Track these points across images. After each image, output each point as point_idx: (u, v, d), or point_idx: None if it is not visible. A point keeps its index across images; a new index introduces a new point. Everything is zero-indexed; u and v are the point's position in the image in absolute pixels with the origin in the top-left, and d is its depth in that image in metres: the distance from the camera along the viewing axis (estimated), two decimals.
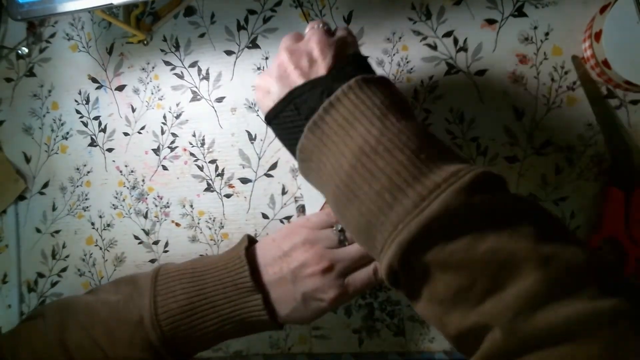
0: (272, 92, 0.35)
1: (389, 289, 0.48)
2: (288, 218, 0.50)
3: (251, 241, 0.43)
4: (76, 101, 0.56)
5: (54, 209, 0.55)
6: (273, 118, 0.35)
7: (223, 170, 0.52)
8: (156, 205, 0.53)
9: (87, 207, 0.55)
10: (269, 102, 0.35)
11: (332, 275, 0.39)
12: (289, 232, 0.41)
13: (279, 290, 0.40)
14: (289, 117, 0.34)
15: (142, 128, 0.54)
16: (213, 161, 0.52)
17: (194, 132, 0.52)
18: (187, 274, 0.41)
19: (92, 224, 0.54)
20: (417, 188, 0.27)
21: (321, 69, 0.33)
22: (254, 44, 0.51)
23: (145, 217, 0.53)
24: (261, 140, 0.51)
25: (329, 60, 0.34)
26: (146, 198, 0.53)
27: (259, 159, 0.51)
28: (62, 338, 0.41)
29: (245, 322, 0.40)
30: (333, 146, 0.31)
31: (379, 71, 0.49)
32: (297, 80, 0.34)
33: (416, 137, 0.30)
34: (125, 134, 0.54)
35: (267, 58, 0.51)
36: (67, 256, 0.55)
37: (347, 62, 0.34)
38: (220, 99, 0.52)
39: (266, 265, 0.41)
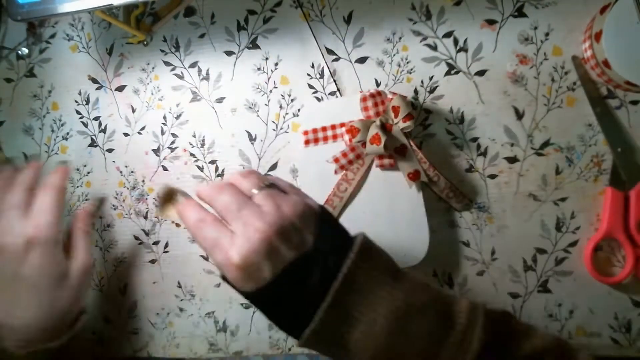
0: (263, 270, 0.31)
1: None
2: None
3: None
4: (76, 102, 0.56)
5: None
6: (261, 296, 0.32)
7: (223, 170, 0.52)
8: (156, 206, 0.53)
9: None
10: (259, 280, 0.31)
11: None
12: None
13: None
14: (288, 296, 0.31)
15: (142, 128, 0.54)
16: (213, 162, 0.52)
17: (194, 133, 0.52)
18: None
19: (92, 224, 0.54)
20: (453, 336, 0.30)
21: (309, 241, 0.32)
22: (254, 45, 0.51)
23: (146, 217, 0.53)
24: (261, 140, 0.51)
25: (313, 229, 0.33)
26: (146, 198, 0.53)
27: (259, 159, 0.51)
28: None
29: None
30: (359, 320, 0.31)
31: (379, 72, 0.49)
32: (288, 255, 0.31)
33: (427, 289, 0.33)
34: (125, 134, 0.54)
35: (267, 59, 0.51)
36: None
37: (322, 228, 0.33)
38: (220, 100, 0.52)
39: None
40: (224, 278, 0.34)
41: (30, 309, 0.40)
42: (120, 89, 0.54)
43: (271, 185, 0.34)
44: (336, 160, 0.45)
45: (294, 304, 0.31)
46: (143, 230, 0.53)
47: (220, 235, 0.32)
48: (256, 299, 0.33)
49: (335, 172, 0.46)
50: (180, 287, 0.52)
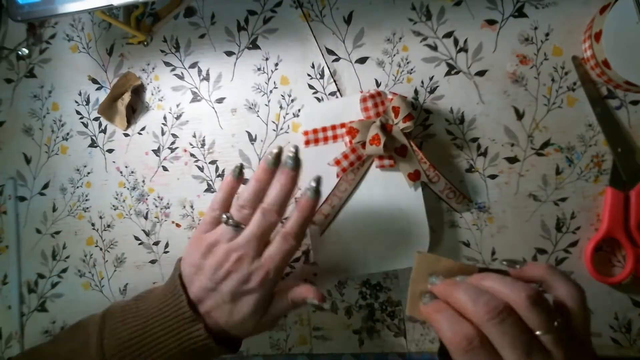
0: None
1: (389, 289, 0.48)
2: (286, 219, 0.50)
3: None
4: (76, 102, 0.56)
5: (54, 209, 0.55)
6: None
7: (223, 171, 0.52)
8: (156, 206, 0.53)
9: (88, 207, 0.55)
10: None
11: (246, 262, 0.39)
12: (191, 247, 0.41)
13: (210, 302, 0.39)
14: None
15: (143, 129, 0.54)
16: (213, 162, 0.52)
17: (194, 133, 0.52)
18: (132, 312, 0.41)
19: (93, 224, 0.54)
20: None
21: None
22: (254, 45, 0.51)
23: (146, 217, 0.53)
24: (261, 141, 0.51)
25: None
26: (146, 199, 0.53)
27: (259, 159, 0.51)
28: None
29: (193, 354, 0.39)
30: None
31: (379, 72, 0.49)
32: None
33: None
34: (126, 134, 0.54)
35: (267, 59, 0.51)
36: (67, 257, 0.55)
37: None
38: (220, 100, 0.52)
39: (192, 288, 0.40)
40: None
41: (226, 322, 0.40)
42: None
43: (562, 327, 0.28)
44: (337, 162, 0.45)
45: None
46: (143, 230, 0.53)
47: None
48: None
49: (338, 175, 0.46)
50: None
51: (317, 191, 0.41)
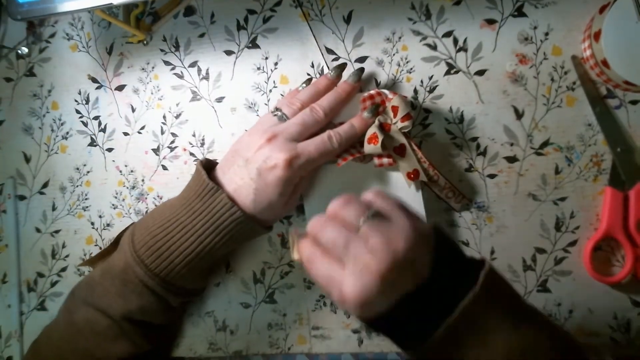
0: (377, 303, 0.32)
1: None
2: (288, 217, 0.50)
3: (210, 163, 0.45)
4: (76, 101, 0.56)
5: (53, 208, 0.55)
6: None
7: None
8: (156, 205, 0.53)
9: (87, 206, 0.55)
10: (374, 311, 0.32)
11: (278, 140, 0.40)
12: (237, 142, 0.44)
13: (236, 179, 0.41)
14: (402, 323, 0.32)
15: (142, 128, 0.54)
16: None
17: (194, 132, 0.52)
18: (159, 209, 0.43)
19: (92, 223, 0.55)
20: None
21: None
22: (253, 44, 0.51)
23: None
24: None
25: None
26: (146, 198, 0.53)
27: None
28: (71, 320, 0.43)
29: (222, 228, 0.40)
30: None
31: (378, 71, 0.49)
32: (402, 287, 0.31)
33: (551, 337, 0.31)
34: (125, 133, 0.54)
35: (267, 58, 0.51)
36: (67, 256, 0.55)
37: (439, 254, 0.32)
38: (220, 99, 0.52)
39: (223, 169, 0.42)
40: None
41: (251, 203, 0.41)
42: (120, 88, 0.54)
43: (375, 215, 0.32)
44: (345, 159, 0.44)
45: (409, 330, 0.32)
46: None
47: (331, 271, 0.32)
48: (371, 325, 0.33)
49: (338, 164, 0.44)
50: None
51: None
